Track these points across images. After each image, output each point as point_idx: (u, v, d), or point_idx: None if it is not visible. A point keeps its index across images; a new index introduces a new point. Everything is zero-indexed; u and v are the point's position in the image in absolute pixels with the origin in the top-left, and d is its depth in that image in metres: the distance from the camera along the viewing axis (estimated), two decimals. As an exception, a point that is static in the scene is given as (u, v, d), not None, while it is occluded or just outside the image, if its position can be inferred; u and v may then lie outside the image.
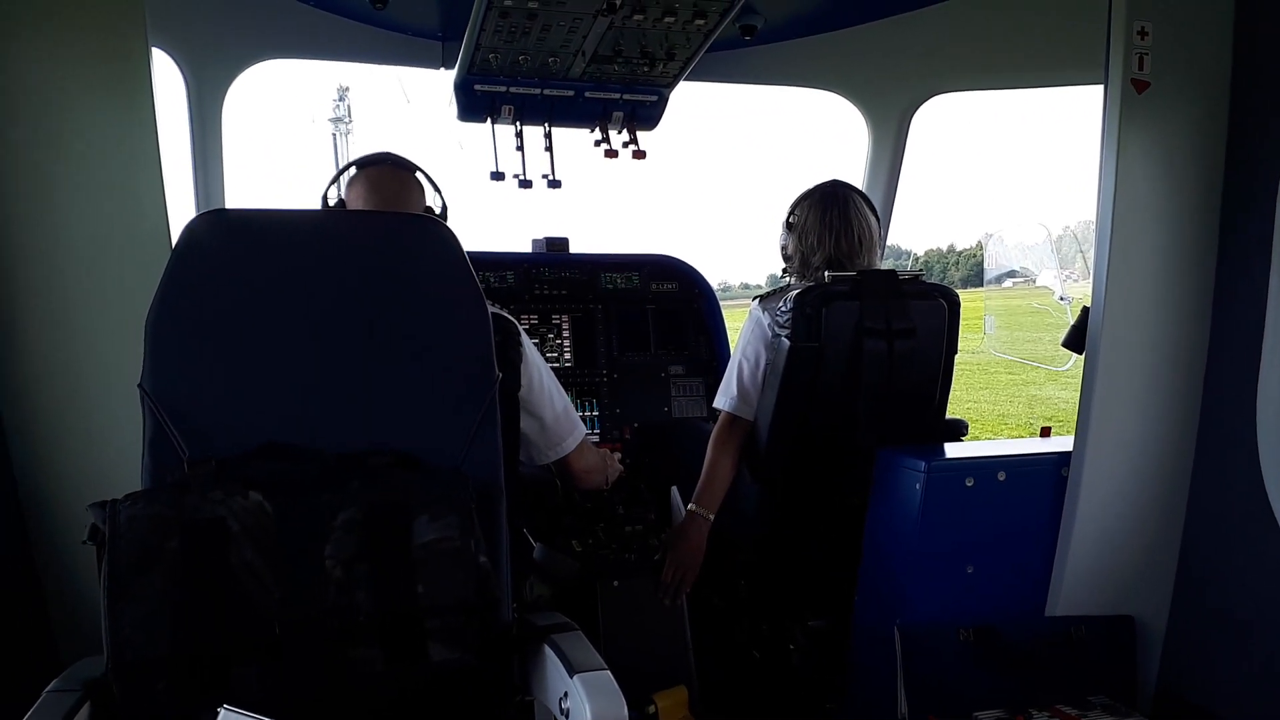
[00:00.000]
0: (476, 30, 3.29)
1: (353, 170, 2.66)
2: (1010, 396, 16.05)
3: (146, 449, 1.87)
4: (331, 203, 2.68)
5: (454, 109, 3.91)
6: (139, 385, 1.86)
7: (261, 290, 1.94)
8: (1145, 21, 2.58)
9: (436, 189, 2.72)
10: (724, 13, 3.20)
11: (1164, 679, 2.78)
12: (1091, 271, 2.78)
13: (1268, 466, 2.51)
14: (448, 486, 1.87)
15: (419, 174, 2.67)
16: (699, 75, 3.88)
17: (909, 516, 2.75)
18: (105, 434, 2.40)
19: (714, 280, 4.72)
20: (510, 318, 2.53)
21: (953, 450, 2.93)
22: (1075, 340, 2.81)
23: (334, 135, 17.49)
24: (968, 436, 3.35)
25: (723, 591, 3.30)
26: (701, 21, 3.25)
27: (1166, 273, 2.70)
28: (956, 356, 3.17)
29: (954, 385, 3.26)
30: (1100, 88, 2.70)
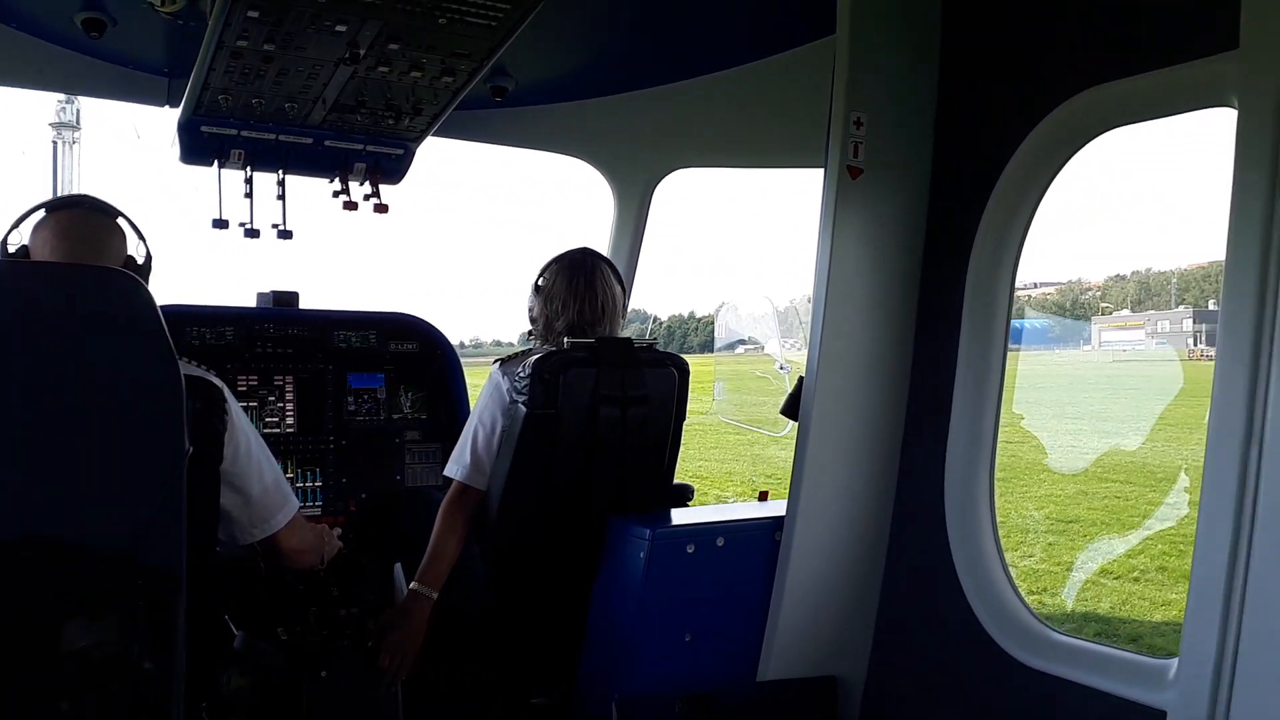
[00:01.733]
0: (205, 69, 3.07)
1: (41, 213, 2.39)
2: (737, 455, 17.34)
3: None
4: (12, 249, 2.38)
5: (177, 149, 3.64)
6: None
7: None
8: (861, 112, 2.82)
9: (140, 236, 2.48)
10: (472, 72, 3.18)
11: None
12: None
13: (953, 529, 2.78)
14: (109, 580, 1.67)
15: (121, 219, 2.44)
16: (447, 132, 3.85)
17: (633, 585, 2.78)
18: None
19: (465, 335, 4.63)
20: (216, 381, 2.33)
21: (677, 516, 3.01)
22: (791, 408, 2.98)
23: (55, 143, 14.99)
24: (694, 501, 3.46)
25: (447, 671, 3.17)
26: (449, 79, 3.22)
27: (872, 346, 2.93)
28: (686, 422, 3.28)
29: (688, 444, 3.35)
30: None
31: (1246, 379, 2.09)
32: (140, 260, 2.47)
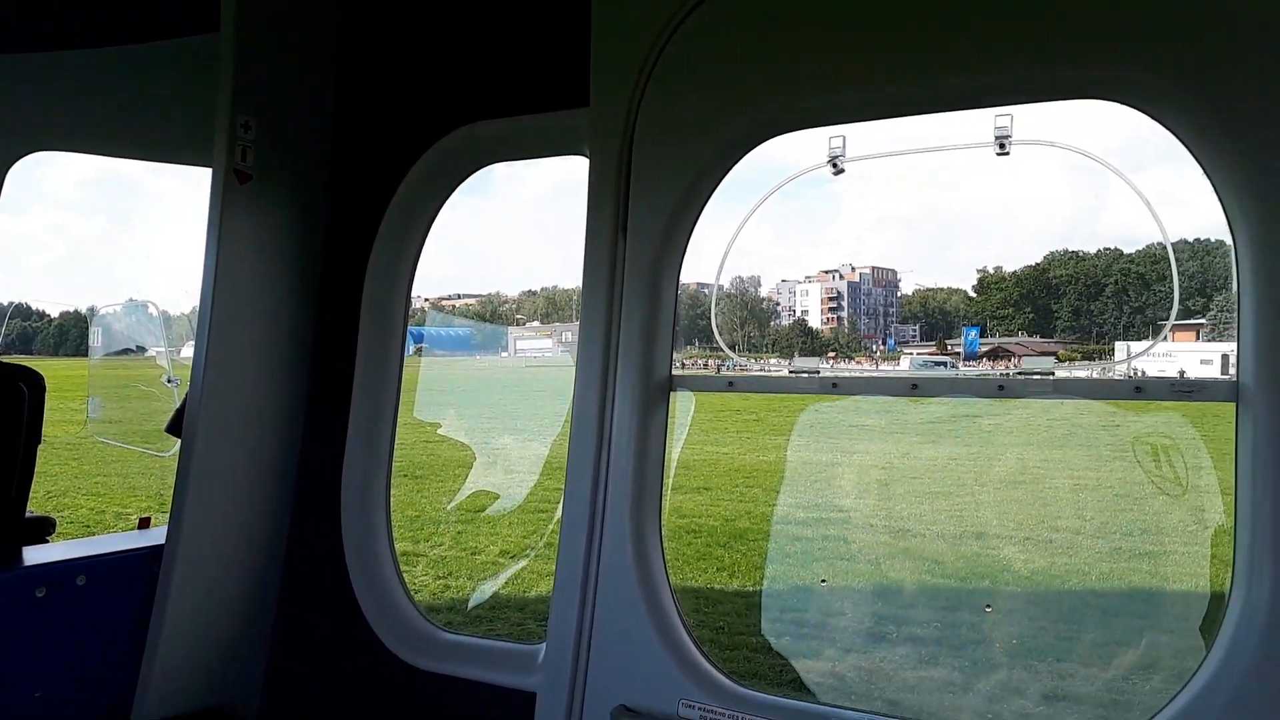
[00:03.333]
0: None
1: None
2: (141, 469, 15.67)
3: None
4: None
5: None
6: None
7: None
8: (249, 116, 2.70)
9: None
10: None
11: None
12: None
13: (350, 539, 2.80)
14: None
15: None
16: None
17: None
18: None
19: None
20: None
21: (28, 556, 2.57)
22: (177, 425, 2.74)
23: None
24: (55, 535, 2.99)
25: None
26: None
27: (266, 357, 2.82)
28: (42, 446, 2.81)
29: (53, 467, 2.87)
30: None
31: (598, 393, 2.46)
32: None
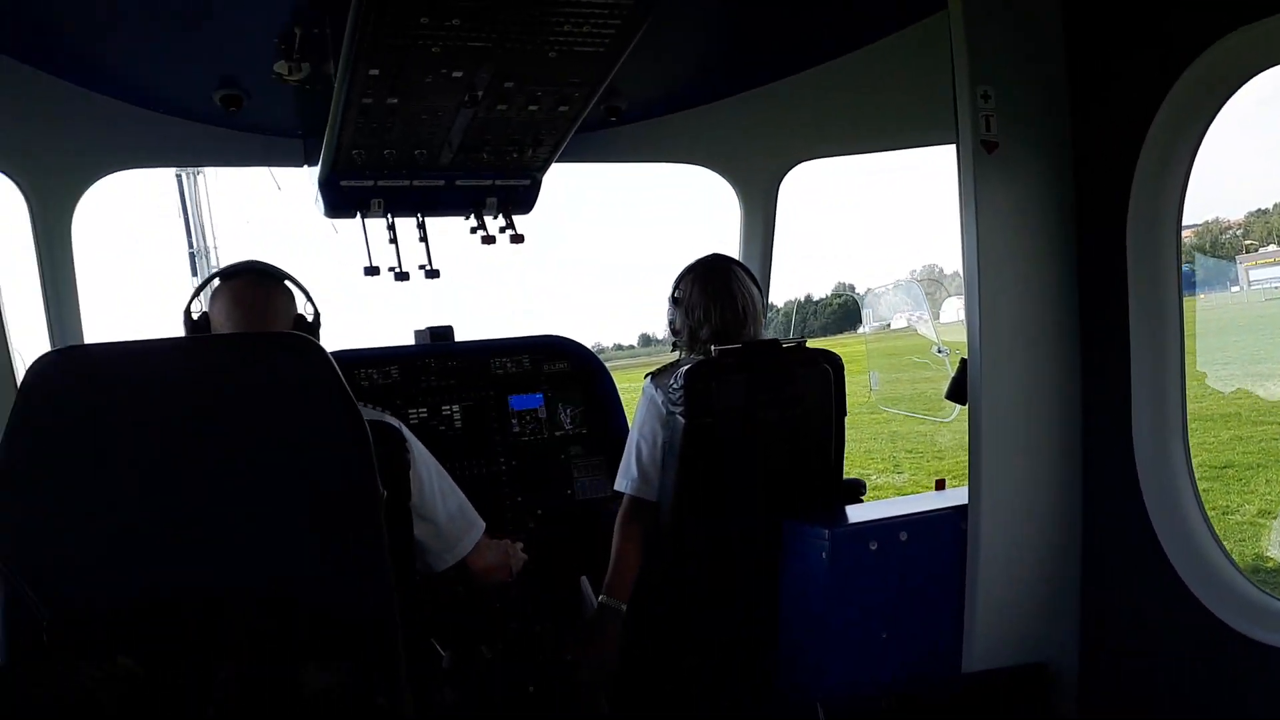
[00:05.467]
0: (337, 129, 3.22)
1: (216, 282, 2.54)
2: (874, 434, 17.05)
3: (1, 615, 1.70)
4: (195, 317, 2.53)
5: (321, 205, 3.81)
6: None
7: (118, 432, 1.80)
8: (988, 85, 2.71)
9: (308, 296, 2.61)
10: (587, 98, 3.22)
11: None
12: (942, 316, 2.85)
13: (1151, 500, 2.62)
14: (334, 626, 1.75)
15: (287, 281, 2.56)
16: (569, 157, 3.90)
17: (817, 586, 2.74)
18: None
19: (588, 342, 4.73)
20: (393, 422, 2.43)
21: (854, 514, 2.96)
22: (957, 392, 2.89)
23: (179, 178, 15.38)
24: (866, 494, 3.39)
25: (645, 680, 3.20)
26: (565, 108, 3.27)
27: (1033, 321, 2.80)
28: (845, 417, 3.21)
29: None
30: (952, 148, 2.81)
31: None
32: (309, 318, 2.59)
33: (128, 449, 1.79)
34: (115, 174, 3.79)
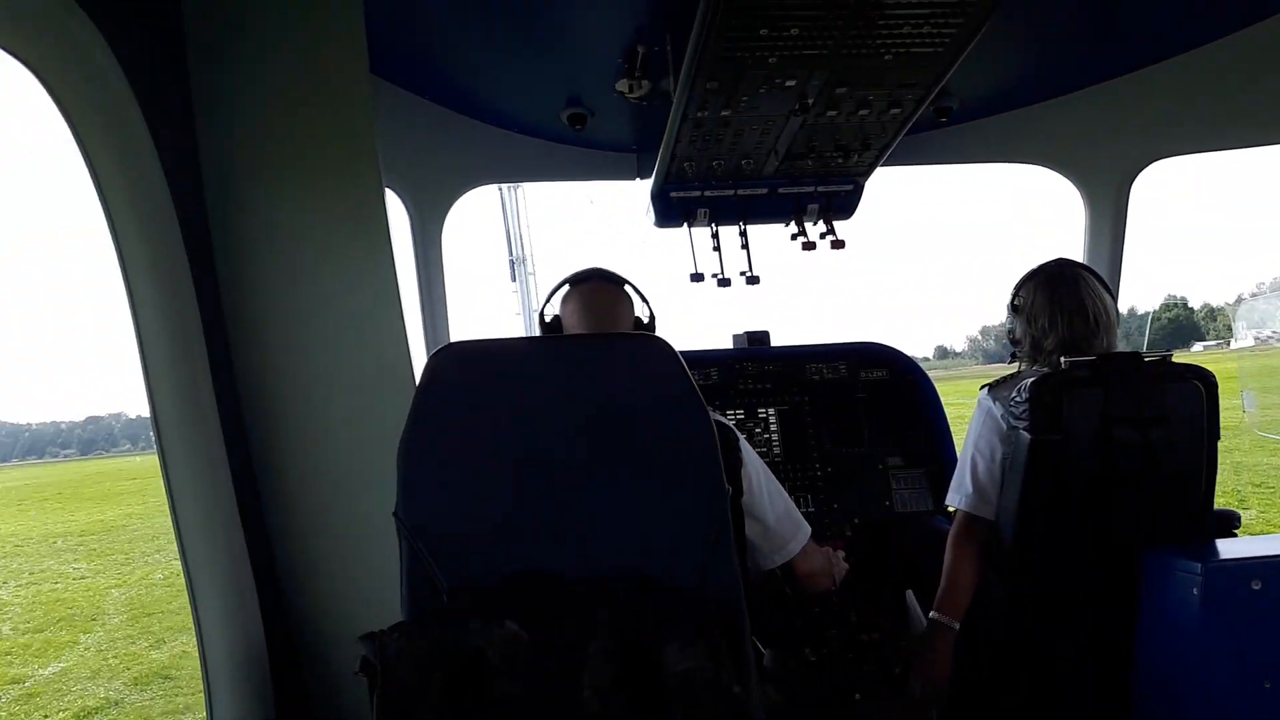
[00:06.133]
0: (672, 142, 3.37)
1: (566, 287, 2.75)
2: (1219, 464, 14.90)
3: (405, 577, 1.92)
4: (548, 319, 2.76)
5: (651, 216, 4.01)
6: (394, 514, 1.92)
7: (500, 419, 1.98)
8: None
9: (644, 300, 2.75)
10: (920, 100, 3.13)
11: None
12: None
13: None
14: (694, 612, 1.82)
15: (627, 286, 2.72)
16: (895, 160, 3.82)
17: (1187, 625, 2.45)
18: (365, 561, 2.51)
19: (913, 353, 4.58)
20: (727, 422, 2.50)
21: (1229, 548, 2.61)
22: None
23: (500, 191, 17.24)
24: (1241, 529, 2.98)
25: (980, 700, 3.04)
26: (897, 110, 3.20)
27: None
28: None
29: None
30: None
31: None
32: (645, 320, 2.73)
33: (512, 435, 1.98)
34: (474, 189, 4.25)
